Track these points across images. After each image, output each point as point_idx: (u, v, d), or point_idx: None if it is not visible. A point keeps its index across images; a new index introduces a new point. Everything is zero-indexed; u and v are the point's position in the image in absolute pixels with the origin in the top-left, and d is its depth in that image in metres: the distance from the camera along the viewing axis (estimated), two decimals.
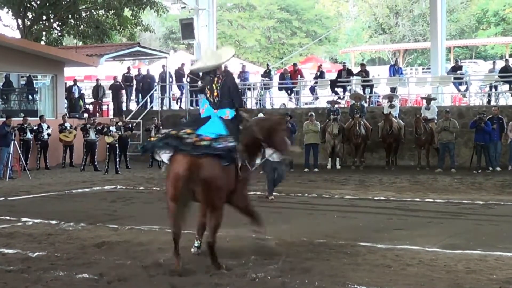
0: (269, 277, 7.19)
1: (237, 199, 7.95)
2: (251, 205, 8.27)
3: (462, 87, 25.58)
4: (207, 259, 7.66)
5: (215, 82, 8.18)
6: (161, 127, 22.10)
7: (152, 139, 8.26)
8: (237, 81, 27.58)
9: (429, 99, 22.27)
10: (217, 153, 7.51)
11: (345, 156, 23.00)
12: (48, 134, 22.74)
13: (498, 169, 20.02)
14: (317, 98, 27.47)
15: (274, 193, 14.36)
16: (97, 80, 29.41)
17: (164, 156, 7.80)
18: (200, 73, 8.41)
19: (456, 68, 25.89)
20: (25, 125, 21.56)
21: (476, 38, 50.96)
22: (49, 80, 26.21)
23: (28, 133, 21.71)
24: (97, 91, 28.56)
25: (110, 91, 29.27)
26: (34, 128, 22.07)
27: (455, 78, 24.99)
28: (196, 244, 8.35)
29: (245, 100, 27.31)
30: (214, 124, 7.90)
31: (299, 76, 27.35)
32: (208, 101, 8.18)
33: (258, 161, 13.42)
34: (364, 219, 11.52)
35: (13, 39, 25.81)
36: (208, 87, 8.23)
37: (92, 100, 29.52)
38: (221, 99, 8.09)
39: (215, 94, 8.11)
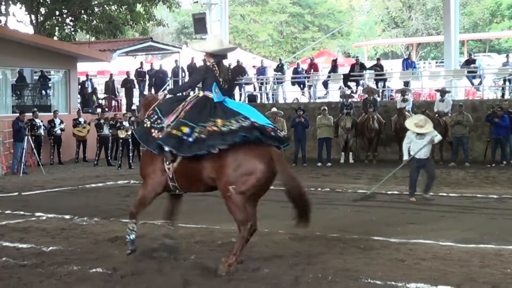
0: (282, 272, 7.18)
1: None
2: None
3: (476, 81, 25.45)
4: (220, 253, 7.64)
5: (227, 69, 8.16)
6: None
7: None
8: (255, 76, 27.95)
9: (443, 92, 22.09)
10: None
11: (358, 150, 22.94)
12: (61, 129, 22.80)
13: None
14: (327, 92, 27.44)
15: (430, 194, 13.18)
16: (111, 75, 29.41)
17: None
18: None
19: (469, 62, 25.75)
20: (35, 120, 21.48)
21: (489, 31, 50.59)
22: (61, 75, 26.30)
23: (39, 128, 21.65)
24: (112, 86, 28.59)
25: (122, 86, 29.27)
26: (41, 123, 21.81)
27: (468, 72, 24.87)
28: None
29: (258, 94, 27.38)
30: (252, 111, 7.79)
31: (312, 70, 27.31)
32: (218, 86, 7.81)
33: (406, 157, 13.12)
34: (378, 213, 11.49)
35: (26, 35, 25.96)
36: (224, 72, 8.01)
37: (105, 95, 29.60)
38: (229, 87, 8.07)
39: (226, 80, 7.95)
